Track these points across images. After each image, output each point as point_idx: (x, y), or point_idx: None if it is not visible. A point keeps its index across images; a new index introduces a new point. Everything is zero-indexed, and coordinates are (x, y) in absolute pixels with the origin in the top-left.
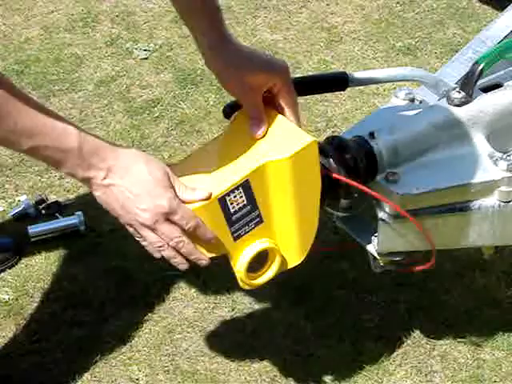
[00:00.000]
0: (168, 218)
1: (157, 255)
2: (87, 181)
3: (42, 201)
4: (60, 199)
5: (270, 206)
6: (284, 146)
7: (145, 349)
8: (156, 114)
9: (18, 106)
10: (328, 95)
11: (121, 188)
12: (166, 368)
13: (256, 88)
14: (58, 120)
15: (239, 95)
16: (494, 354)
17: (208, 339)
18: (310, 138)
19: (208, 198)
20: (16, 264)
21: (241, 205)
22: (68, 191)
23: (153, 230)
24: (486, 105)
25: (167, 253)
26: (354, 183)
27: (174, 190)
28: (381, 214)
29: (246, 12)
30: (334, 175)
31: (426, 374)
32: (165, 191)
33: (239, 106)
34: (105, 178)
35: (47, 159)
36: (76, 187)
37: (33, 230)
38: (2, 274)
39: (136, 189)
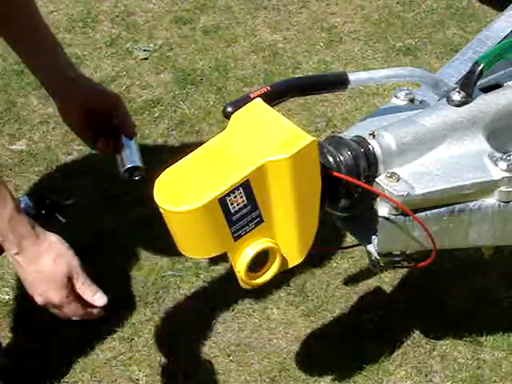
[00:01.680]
0: (56, 306)
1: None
2: (2, 243)
3: (42, 201)
4: (60, 199)
5: (270, 206)
6: (284, 145)
7: (145, 349)
8: (156, 114)
9: None
10: (328, 95)
11: (25, 270)
12: (166, 368)
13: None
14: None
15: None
16: (493, 354)
17: (208, 339)
18: (309, 138)
19: (102, 306)
20: None
21: (241, 205)
22: (68, 191)
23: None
24: (486, 105)
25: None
26: (355, 181)
27: (73, 286)
28: (381, 214)
29: (246, 12)
30: (335, 174)
31: (426, 374)
32: (59, 288)
33: (239, 105)
34: (16, 254)
35: None
36: (76, 187)
37: None
38: (2, 274)
39: (37, 276)
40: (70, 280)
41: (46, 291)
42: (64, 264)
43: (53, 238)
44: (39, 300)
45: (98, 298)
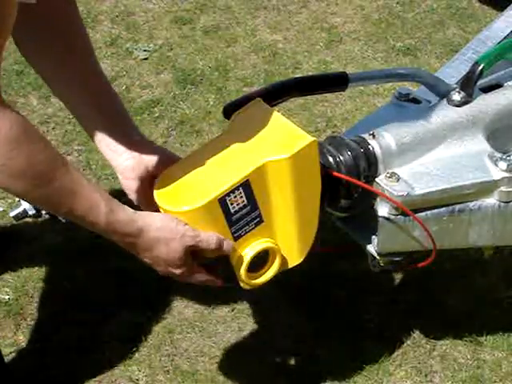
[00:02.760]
0: (179, 278)
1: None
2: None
3: None
4: None
5: (270, 206)
6: (284, 145)
7: (145, 349)
8: (156, 114)
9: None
10: (328, 95)
11: (140, 257)
12: (166, 368)
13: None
14: (94, 193)
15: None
16: (493, 354)
17: (208, 339)
18: (309, 138)
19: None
20: None
21: (241, 205)
22: None
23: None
24: (486, 105)
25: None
26: (355, 181)
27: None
28: (381, 214)
29: (246, 12)
30: (335, 173)
31: (426, 374)
32: (178, 267)
33: (239, 105)
34: (127, 247)
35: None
36: None
37: None
38: (2, 274)
39: (153, 261)
40: (188, 253)
41: (165, 270)
42: (178, 245)
43: (158, 223)
44: (161, 273)
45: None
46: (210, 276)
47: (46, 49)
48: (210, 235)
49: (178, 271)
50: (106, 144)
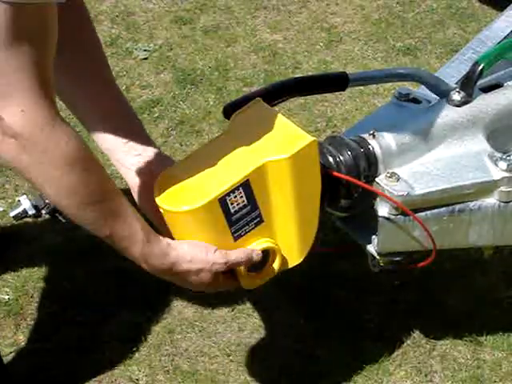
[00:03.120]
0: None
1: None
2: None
3: (42, 201)
4: None
5: (270, 206)
6: (284, 145)
7: (145, 349)
8: (156, 114)
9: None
10: (328, 95)
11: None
12: (166, 368)
13: None
14: (136, 221)
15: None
16: (493, 354)
17: (208, 339)
18: (309, 138)
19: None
20: None
21: (241, 205)
22: None
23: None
24: (486, 105)
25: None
26: (355, 181)
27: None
28: (381, 214)
29: (246, 12)
30: (335, 173)
31: (426, 374)
32: (209, 288)
33: (239, 105)
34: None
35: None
36: None
37: None
38: (2, 274)
39: (185, 285)
40: (217, 276)
41: (196, 290)
42: (208, 274)
43: (188, 256)
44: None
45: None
46: (234, 281)
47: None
48: (239, 253)
49: (209, 290)
50: (116, 159)
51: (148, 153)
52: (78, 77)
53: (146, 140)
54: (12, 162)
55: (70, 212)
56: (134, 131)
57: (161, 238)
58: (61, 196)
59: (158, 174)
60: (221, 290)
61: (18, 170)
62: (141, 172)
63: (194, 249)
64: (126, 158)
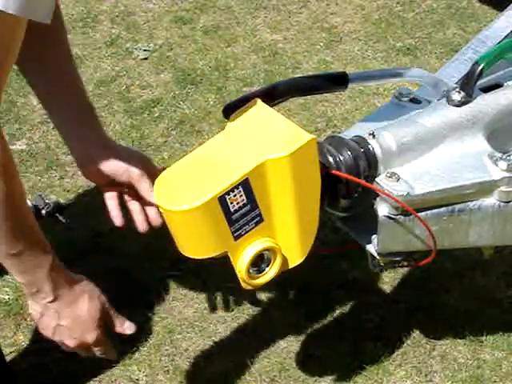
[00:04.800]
0: (87, 348)
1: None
2: (33, 294)
3: (42, 201)
4: (60, 199)
5: (270, 205)
6: (283, 144)
7: (145, 349)
8: (156, 114)
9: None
10: (328, 95)
11: (59, 316)
12: (166, 368)
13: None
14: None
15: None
16: (493, 354)
17: (208, 339)
18: (308, 136)
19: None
20: None
21: (241, 204)
22: (68, 191)
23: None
24: (486, 105)
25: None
26: (356, 179)
27: (112, 322)
28: (381, 214)
29: (246, 12)
30: (335, 172)
31: (426, 374)
32: (95, 329)
33: (239, 105)
34: (51, 302)
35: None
36: (76, 187)
37: None
38: (2, 274)
39: (74, 320)
40: (101, 319)
41: (82, 334)
42: (98, 303)
43: (80, 279)
44: (72, 343)
45: (128, 328)
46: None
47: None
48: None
49: (93, 335)
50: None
51: (89, 136)
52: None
53: (91, 123)
54: None
55: None
56: (83, 113)
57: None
58: None
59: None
60: (98, 351)
61: None
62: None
63: (88, 292)
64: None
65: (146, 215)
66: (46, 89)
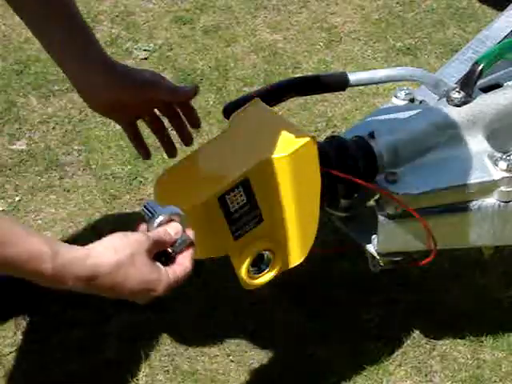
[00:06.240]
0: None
1: None
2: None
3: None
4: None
5: (269, 205)
6: (283, 144)
7: (145, 349)
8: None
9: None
10: (328, 95)
11: (119, 289)
12: (166, 368)
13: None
14: (31, 239)
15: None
16: (494, 354)
17: (208, 339)
18: (308, 136)
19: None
20: None
21: (241, 204)
22: (68, 191)
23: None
24: (485, 105)
25: None
26: (356, 179)
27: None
28: (381, 214)
29: (246, 12)
30: (334, 173)
31: (426, 374)
32: (156, 281)
33: (239, 105)
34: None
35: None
36: (76, 187)
37: None
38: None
39: (133, 287)
40: (154, 260)
41: (147, 294)
42: (142, 256)
43: (100, 246)
44: (145, 301)
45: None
46: (188, 262)
47: None
48: (164, 226)
49: (160, 286)
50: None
51: (91, 59)
52: None
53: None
54: None
55: None
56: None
57: (69, 245)
58: None
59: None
60: (182, 280)
61: None
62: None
63: (112, 238)
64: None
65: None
66: (32, 7)
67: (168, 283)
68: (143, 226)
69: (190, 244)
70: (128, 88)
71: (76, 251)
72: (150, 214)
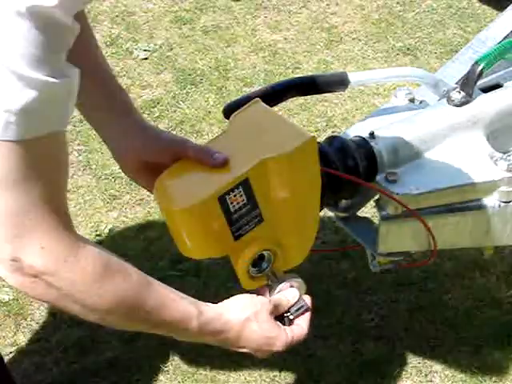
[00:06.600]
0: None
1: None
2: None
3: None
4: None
5: (270, 205)
6: (283, 143)
7: (145, 349)
8: (156, 114)
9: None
10: (328, 95)
11: (243, 343)
12: (166, 368)
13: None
14: (182, 300)
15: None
16: (494, 354)
17: None
18: (308, 135)
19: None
20: None
21: (241, 204)
22: (68, 191)
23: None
24: (486, 105)
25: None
26: (356, 179)
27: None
28: (381, 214)
29: (246, 12)
30: (335, 173)
31: (426, 374)
32: (276, 337)
33: (239, 105)
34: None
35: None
36: (76, 187)
37: None
38: None
39: (254, 342)
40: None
41: (267, 349)
42: (264, 314)
43: (229, 303)
44: (264, 356)
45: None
46: (305, 325)
47: None
48: (283, 292)
49: (279, 342)
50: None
51: (129, 124)
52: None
53: (129, 112)
54: (41, 298)
55: (119, 327)
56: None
57: (205, 303)
58: (104, 316)
59: (139, 145)
60: (298, 340)
61: (48, 303)
62: (122, 141)
63: (240, 298)
64: (110, 129)
65: None
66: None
67: (286, 341)
68: (265, 290)
69: (307, 310)
70: (162, 150)
71: (212, 309)
72: (274, 280)
